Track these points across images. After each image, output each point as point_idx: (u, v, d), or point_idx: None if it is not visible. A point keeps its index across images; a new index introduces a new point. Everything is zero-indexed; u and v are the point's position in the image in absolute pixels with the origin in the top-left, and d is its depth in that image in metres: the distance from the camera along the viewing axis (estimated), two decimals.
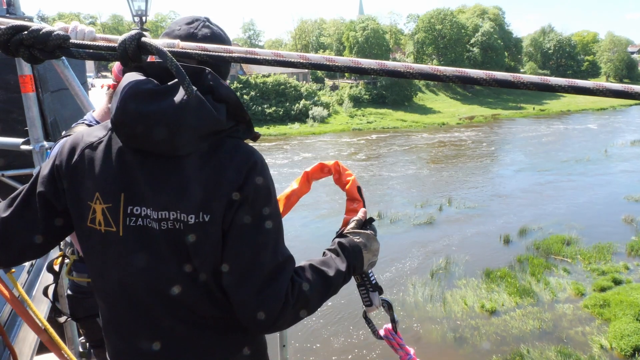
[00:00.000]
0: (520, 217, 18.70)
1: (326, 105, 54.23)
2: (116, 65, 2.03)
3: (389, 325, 1.67)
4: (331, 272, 1.29)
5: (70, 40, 1.12)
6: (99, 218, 1.20)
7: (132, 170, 1.19)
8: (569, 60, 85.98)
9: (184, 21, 1.33)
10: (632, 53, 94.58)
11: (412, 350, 1.67)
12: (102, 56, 1.13)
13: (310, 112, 51.71)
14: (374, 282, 1.54)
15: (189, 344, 1.24)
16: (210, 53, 1.14)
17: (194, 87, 1.08)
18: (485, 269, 13.70)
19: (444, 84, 66.31)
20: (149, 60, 1.25)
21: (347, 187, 1.62)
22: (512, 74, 0.98)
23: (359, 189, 1.62)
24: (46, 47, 1.09)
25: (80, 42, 1.13)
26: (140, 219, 1.18)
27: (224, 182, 1.15)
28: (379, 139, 41.85)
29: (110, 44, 1.11)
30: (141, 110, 1.14)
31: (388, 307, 1.59)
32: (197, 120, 1.14)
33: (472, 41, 73.13)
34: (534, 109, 62.21)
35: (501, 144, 39.31)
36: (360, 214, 1.53)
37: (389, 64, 1.00)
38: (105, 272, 1.25)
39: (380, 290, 1.55)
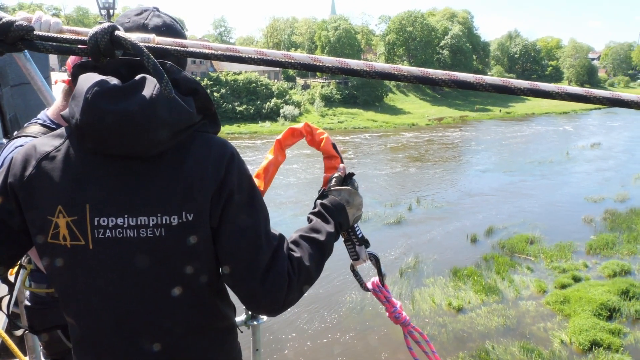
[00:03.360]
0: (487, 216, 19.16)
1: (297, 104, 54.13)
2: (71, 59, 1.88)
3: (376, 279, 1.66)
4: (322, 237, 1.29)
5: (35, 32, 1.02)
6: (63, 232, 1.11)
7: (98, 179, 1.11)
8: (534, 65, 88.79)
9: (132, 13, 1.27)
10: (593, 59, 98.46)
11: (398, 304, 1.67)
12: (70, 50, 1.04)
13: (281, 111, 51.52)
14: (360, 236, 1.52)
15: (178, 351, 1.19)
16: (190, 50, 1.09)
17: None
18: (452, 268, 13.97)
19: (414, 84, 67.37)
20: None
21: (322, 145, 1.57)
22: (475, 75, 0.98)
23: (334, 145, 1.58)
24: (7, 38, 0.99)
25: (46, 34, 1.04)
26: (108, 230, 1.10)
27: (204, 178, 1.11)
28: (364, 139, 42.09)
29: (79, 37, 1.02)
30: (111, 109, 1.04)
31: (375, 260, 1.57)
32: (170, 115, 1.08)
33: (441, 44, 74.47)
34: (500, 111, 63.87)
35: (468, 145, 40.16)
36: (339, 171, 1.50)
37: (377, 65, 0.99)
38: (77, 289, 1.16)
39: (367, 243, 1.53)
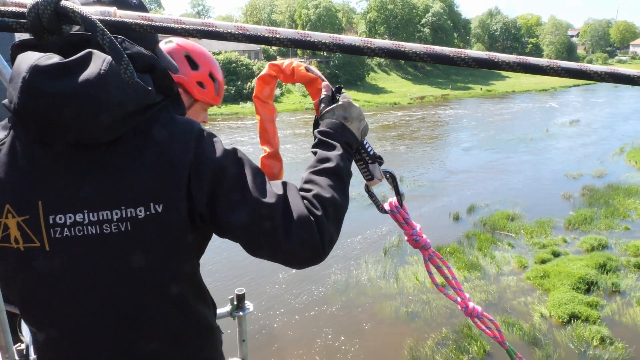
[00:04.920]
0: (469, 194, 19.35)
1: (279, 85, 53.46)
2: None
3: (394, 199, 1.54)
4: (332, 164, 1.21)
5: None
6: (15, 234, 0.99)
7: (49, 172, 1.00)
8: (514, 43, 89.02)
9: None
10: (572, 36, 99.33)
11: (418, 226, 1.58)
12: (7, 26, 0.85)
13: None
14: (371, 152, 1.41)
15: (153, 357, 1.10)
16: (156, 24, 0.93)
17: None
18: (436, 246, 14.10)
19: (396, 63, 67.00)
20: None
21: (296, 76, 1.45)
22: (454, 49, 0.88)
23: (307, 69, 1.45)
24: None
25: None
26: (66, 228, 0.99)
27: (173, 163, 1.01)
28: None
29: (20, 10, 0.84)
30: (54, 90, 0.92)
31: (392, 178, 1.46)
32: (124, 94, 0.96)
33: (422, 21, 74.02)
34: (481, 89, 64.17)
35: (449, 123, 40.35)
36: (323, 91, 1.39)
37: (376, 42, 0.88)
38: (35, 296, 1.06)
39: (380, 159, 1.43)
